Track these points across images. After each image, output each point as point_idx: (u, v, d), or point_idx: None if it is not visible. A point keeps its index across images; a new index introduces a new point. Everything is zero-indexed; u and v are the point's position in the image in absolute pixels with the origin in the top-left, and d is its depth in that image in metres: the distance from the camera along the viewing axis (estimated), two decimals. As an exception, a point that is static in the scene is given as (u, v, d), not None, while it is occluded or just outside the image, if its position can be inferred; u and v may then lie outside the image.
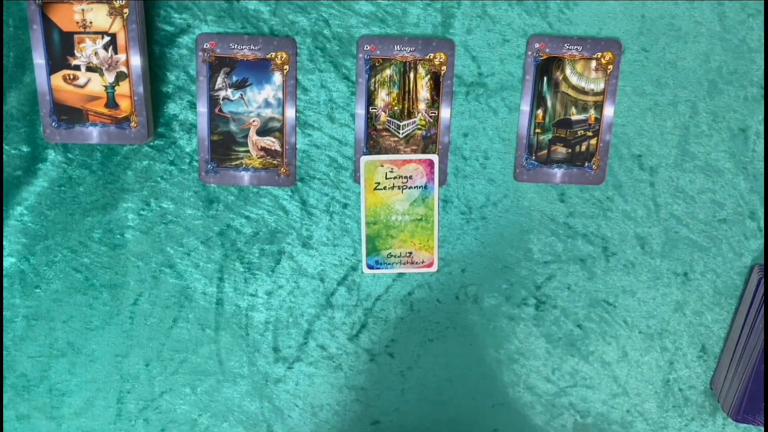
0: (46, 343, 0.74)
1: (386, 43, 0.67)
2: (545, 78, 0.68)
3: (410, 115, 0.69)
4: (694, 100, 0.70)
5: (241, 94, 0.67)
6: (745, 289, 0.75)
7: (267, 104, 0.68)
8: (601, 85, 0.69)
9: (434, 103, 0.68)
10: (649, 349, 0.77)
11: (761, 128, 0.71)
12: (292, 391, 0.77)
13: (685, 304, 0.76)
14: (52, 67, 0.64)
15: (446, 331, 0.76)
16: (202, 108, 0.67)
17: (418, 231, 0.71)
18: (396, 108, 0.68)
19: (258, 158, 0.69)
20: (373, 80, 0.68)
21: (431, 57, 0.67)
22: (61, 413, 0.76)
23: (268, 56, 0.67)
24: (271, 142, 0.69)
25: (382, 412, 0.78)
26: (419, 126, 0.69)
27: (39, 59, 0.63)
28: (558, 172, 0.71)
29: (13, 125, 0.68)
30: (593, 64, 0.68)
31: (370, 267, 0.70)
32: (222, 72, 0.67)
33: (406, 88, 0.68)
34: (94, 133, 0.66)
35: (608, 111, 0.69)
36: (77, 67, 0.64)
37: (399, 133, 0.69)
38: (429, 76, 0.68)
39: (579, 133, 0.70)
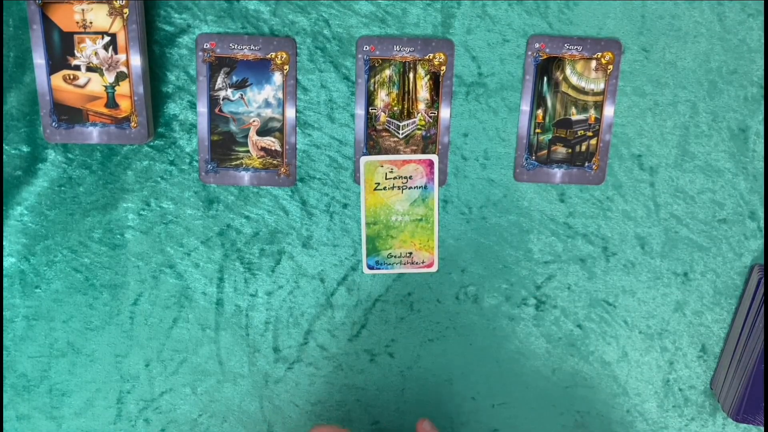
0: (46, 343, 0.74)
1: (385, 43, 0.67)
2: (545, 78, 0.68)
3: (410, 115, 0.69)
4: (694, 100, 0.70)
5: (241, 94, 0.67)
6: (745, 289, 0.75)
7: (267, 104, 0.68)
8: (601, 85, 0.69)
9: (434, 103, 0.68)
10: (649, 349, 0.77)
11: (761, 128, 0.71)
12: (292, 391, 0.77)
13: (685, 304, 0.76)
14: (52, 67, 0.64)
15: (446, 331, 0.76)
16: (202, 108, 0.67)
17: (418, 231, 0.71)
18: (396, 108, 0.68)
19: (258, 158, 0.69)
20: (372, 81, 0.68)
21: (430, 57, 0.67)
22: (61, 413, 0.76)
23: (268, 56, 0.67)
24: (271, 142, 0.69)
25: (382, 412, 0.78)
26: (419, 126, 0.69)
27: (39, 59, 0.63)
28: (558, 172, 0.71)
29: (13, 125, 0.68)
30: (593, 64, 0.68)
31: (370, 267, 0.70)
32: (222, 72, 0.67)
33: (406, 89, 0.68)
34: (94, 133, 0.66)
35: (608, 111, 0.69)
36: (77, 67, 0.64)
37: (399, 133, 0.69)
38: (428, 77, 0.68)
39: (579, 133, 0.70)
